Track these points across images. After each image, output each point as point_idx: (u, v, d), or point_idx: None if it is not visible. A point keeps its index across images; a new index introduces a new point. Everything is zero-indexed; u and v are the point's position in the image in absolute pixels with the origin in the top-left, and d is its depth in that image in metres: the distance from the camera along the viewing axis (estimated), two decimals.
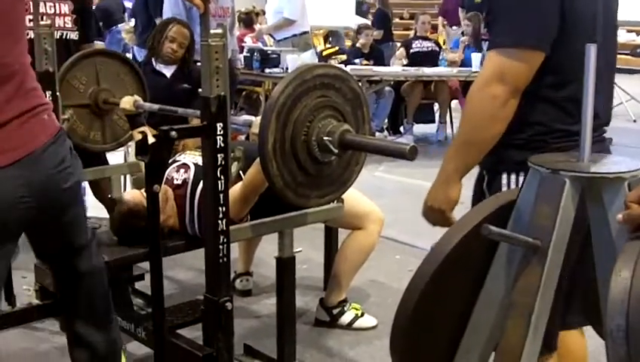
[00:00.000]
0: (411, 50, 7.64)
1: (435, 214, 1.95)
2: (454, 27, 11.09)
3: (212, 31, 2.11)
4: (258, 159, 2.23)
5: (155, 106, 3.14)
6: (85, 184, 3.59)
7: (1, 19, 1.77)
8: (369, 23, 10.13)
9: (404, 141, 7.19)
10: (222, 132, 2.14)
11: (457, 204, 1.93)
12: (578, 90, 1.57)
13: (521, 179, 1.82)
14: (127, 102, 3.10)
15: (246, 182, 2.56)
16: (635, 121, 8.50)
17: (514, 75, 1.77)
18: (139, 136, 2.90)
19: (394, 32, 15.52)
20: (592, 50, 1.38)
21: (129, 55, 6.11)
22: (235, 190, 2.54)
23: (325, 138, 2.20)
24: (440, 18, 12.01)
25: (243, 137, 6.82)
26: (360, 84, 7.14)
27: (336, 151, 2.22)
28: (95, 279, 2.13)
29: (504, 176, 1.89)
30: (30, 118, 1.83)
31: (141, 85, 3.41)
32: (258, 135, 2.18)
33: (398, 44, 9.12)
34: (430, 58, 7.54)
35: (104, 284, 2.16)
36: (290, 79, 2.17)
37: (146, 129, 3.09)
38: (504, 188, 1.88)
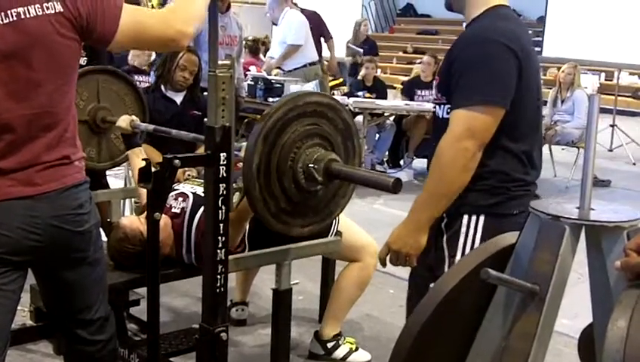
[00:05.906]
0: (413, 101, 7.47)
1: (401, 258, 2.12)
2: None
3: (220, 62, 2.14)
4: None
5: (151, 127, 3.13)
6: None
7: (60, 73, 1.86)
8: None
9: (404, 174, 7.20)
10: (225, 162, 2.15)
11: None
12: (531, 143, 2.08)
13: (481, 220, 2.08)
14: (123, 120, 3.09)
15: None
16: (634, 163, 8.48)
17: (483, 129, 1.99)
18: (137, 162, 2.91)
19: (398, 65, 15.65)
20: (595, 101, 1.39)
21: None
22: None
23: (311, 165, 2.22)
24: None
25: None
26: (362, 116, 7.07)
27: (321, 179, 2.23)
28: None
29: (465, 218, 2.10)
30: (64, 163, 1.91)
31: (142, 107, 3.41)
32: (244, 156, 2.20)
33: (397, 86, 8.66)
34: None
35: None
36: (282, 103, 2.19)
37: (141, 150, 3.09)
38: (464, 229, 2.09)
